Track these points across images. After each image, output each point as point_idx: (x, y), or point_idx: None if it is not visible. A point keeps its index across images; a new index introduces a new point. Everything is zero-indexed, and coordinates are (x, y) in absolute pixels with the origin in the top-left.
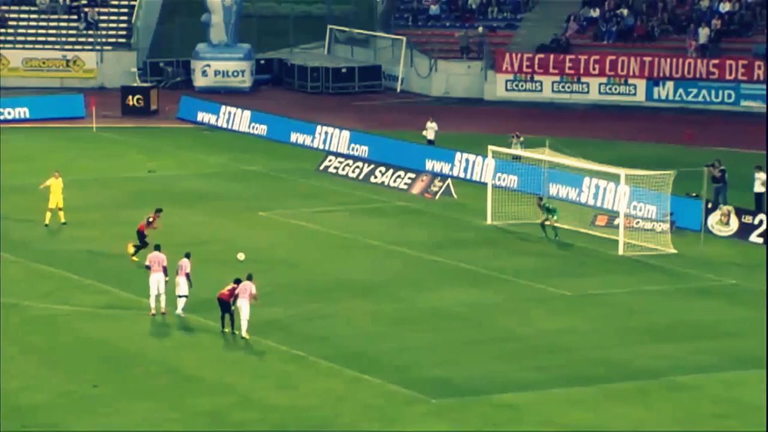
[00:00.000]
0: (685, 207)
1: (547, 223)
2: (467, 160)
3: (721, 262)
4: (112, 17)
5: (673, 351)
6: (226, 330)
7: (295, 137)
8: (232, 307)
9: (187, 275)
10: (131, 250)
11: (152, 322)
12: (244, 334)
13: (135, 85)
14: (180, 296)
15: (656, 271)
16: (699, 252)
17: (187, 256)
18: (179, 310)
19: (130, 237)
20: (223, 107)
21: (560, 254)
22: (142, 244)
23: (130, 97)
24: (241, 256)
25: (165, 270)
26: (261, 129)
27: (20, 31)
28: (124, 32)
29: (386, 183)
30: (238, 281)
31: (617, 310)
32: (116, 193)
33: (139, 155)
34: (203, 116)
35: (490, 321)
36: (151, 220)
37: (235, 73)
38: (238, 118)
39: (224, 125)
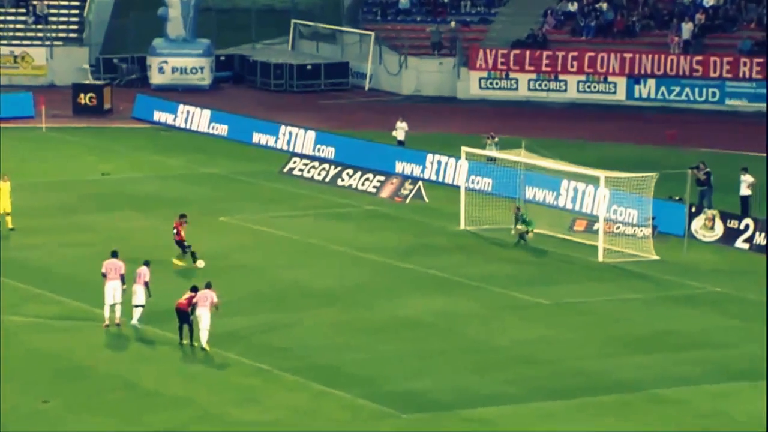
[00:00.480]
0: (667, 211)
1: (529, 235)
2: (439, 162)
3: (706, 269)
4: (63, 11)
5: (656, 362)
6: (185, 342)
7: (257, 138)
8: (191, 317)
9: (146, 284)
10: (181, 261)
11: (107, 334)
12: (204, 345)
13: (87, 82)
14: (136, 306)
15: (637, 278)
16: (682, 258)
17: (147, 264)
18: (135, 321)
19: (83, 243)
20: (181, 106)
21: (537, 261)
22: (184, 250)
23: (82, 95)
24: (200, 263)
25: (122, 278)
26: (221, 129)
27: None
28: (75, 26)
29: (354, 186)
30: (195, 289)
31: (597, 319)
32: (68, 198)
33: (92, 157)
34: (160, 116)
35: (463, 331)
36: (175, 231)
37: (194, 70)
38: (197, 118)
39: (182, 125)
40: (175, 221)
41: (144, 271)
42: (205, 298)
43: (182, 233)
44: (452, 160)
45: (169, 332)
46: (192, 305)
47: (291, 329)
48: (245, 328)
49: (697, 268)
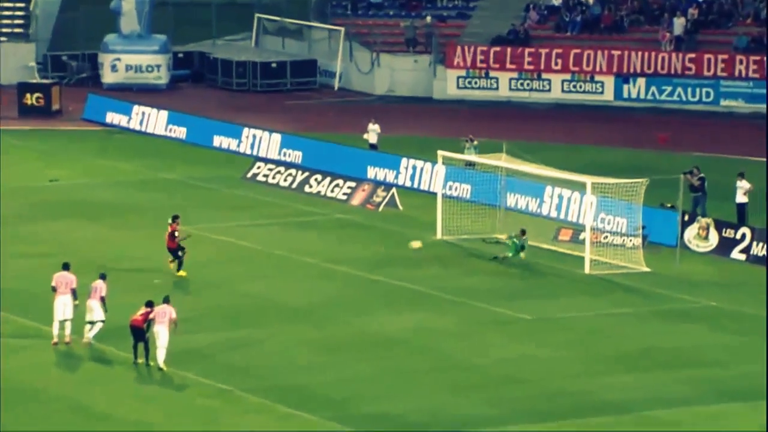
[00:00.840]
0: (659, 219)
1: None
2: (414, 167)
3: (700, 281)
4: (7, 3)
5: (647, 381)
6: (140, 361)
7: (218, 141)
8: (147, 335)
9: (102, 299)
10: (174, 267)
11: (56, 353)
12: (161, 364)
13: (34, 81)
14: (91, 322)
15: (627, 291)
16: (675, 270)
17: (103, 277)
18: (90, 335)
19: (30, 255)
20: (136, 107)
21: (519, 273)
22: (176, 257)
23: (29, 95)
24: (416, 244)
25: (74, 293)
26: (179, 132)
27: None
28: (20, 21)
29: (323, 193)
30: (150, 304)
31: (583, 336)
32: (13, 206)
33: (39, 162)
34: (113, 117)
35: (440, 348)
36: (176, 233)
37: (150, 68)
38: (153, 120)
39: (137, 127)
40: (171, 225)
41: (100, 285)
42: (163, 314)
43: (179, 235)
44: (428, 164)
45: (123, 351)
46: (148, 322)
47: (255, 347)
48: (205, 346)
49: (690, 281)
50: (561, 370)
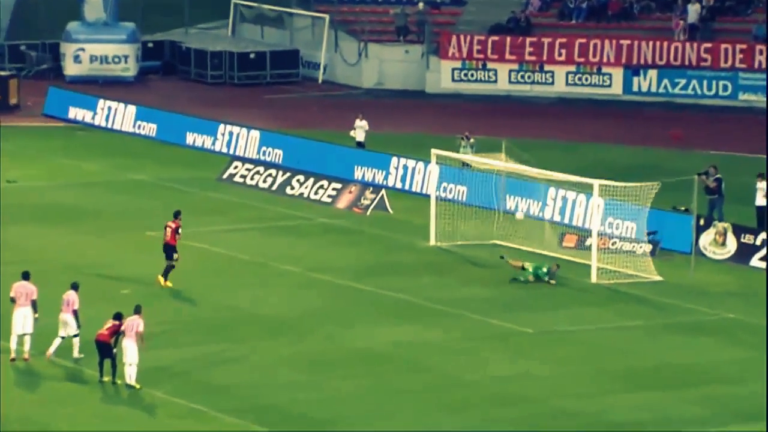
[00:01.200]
0: (672, 224)
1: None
2: (405, 167)
3: (716, 292)
4: None
5: (657, 400)
6: (106, 379)
7: (191, 139)
8: (115, 350)
9: (75, 312)
10: (161, 280)
11: (14, 370)
12: (132, 382)
13: None
14: (63, 337)
15: (637, 302)
16: (689, 279)
17: (75, 287)
18: (75, 354)
19: None
20: (101, 101)
21: (519, 283)
22: (169, 257)
23: None
24: (519, 215)
25: (34, 305)
26: (149, 128)
27: None
28: None
29: (306, 195)
30: (119, 317)
31: (588, 351)
32: None
33: None
34: (76, 112)
35: (433, 365)
36: (179, 230)
37: (117, 59)
38: (121, 115)
39: (103, 124)
40: (174, 222)
41: (72, 297)
42: (132, 327)
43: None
44: (421, 164)
45: (88, 368)
46: (116, 336)
47: (231, 363)
48: (178, 362)
49: (705, 291)
50: (564, 388)
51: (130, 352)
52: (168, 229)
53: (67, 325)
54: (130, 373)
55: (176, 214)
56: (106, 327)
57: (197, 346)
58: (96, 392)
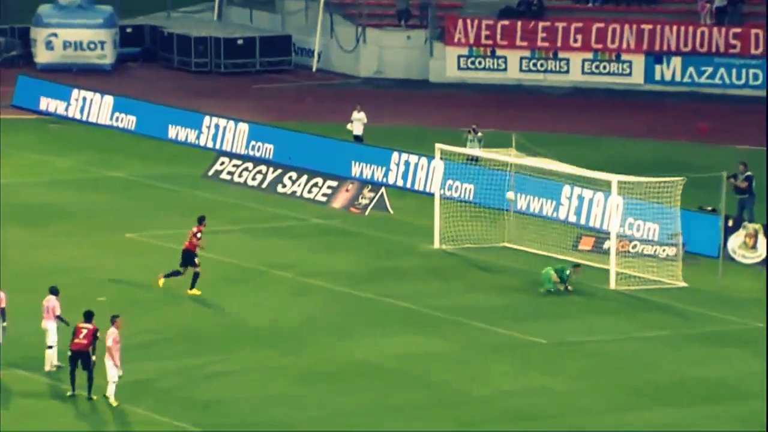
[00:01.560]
0: (697, 225)
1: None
2: (407, 163)
3: (745, 299)
4: None
5: (682, 418)
6: (79, 393)
7: (174, 132)
8: (94, 358)
9: (59, 318)
10: (162, 281)
11: None
12: (108, 395)
13: None
14: (51, 346)
15: (659, 310)
16: (716, 285)
17: (54, 292)
18: (55, 362)
19: None
20: (75, 91)
21: (531, 289)
22: (187, 265)
23: None
24: (510, 195)
25: (2, 313)
26: (128, 121)
27: None
28: None
29: (299, 194)
30: (89, 316)
31: (607, 364)
32: None
33: None
34: (48, 103)
35: (438, 378)
36: (199, 235)
37: (92, 46)
38: (97, 107)
39: (77, 116)
40: (196, 227)
41: (52, 303)
42: (108, 338)
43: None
44: (424, 160)
45: (59, 382)
46: (95, 340)
47: (218, 377)
48: (159, 375)
49: (734, 298)
50: (580, 404)
51: (110, 370)
52: (190, 233)
53: (50, 332)
54: (111, 389)
55: (200, 220)
56: (82, 334)
57: (181, 359)
58: (68, 409)
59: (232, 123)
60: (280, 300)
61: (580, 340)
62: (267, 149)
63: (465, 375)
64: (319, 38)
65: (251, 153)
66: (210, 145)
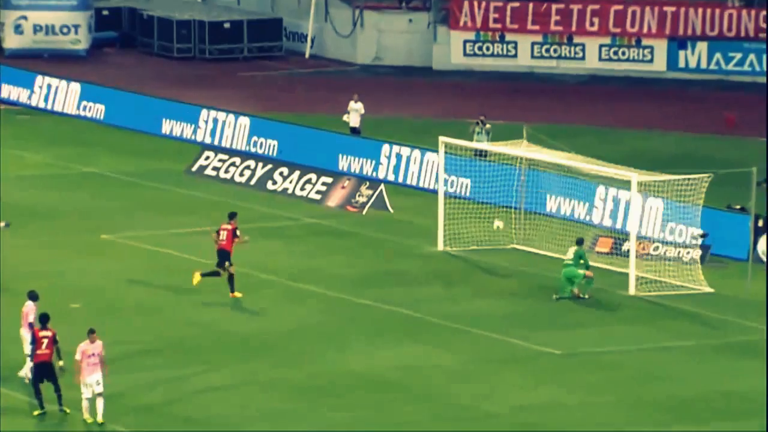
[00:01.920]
0: (725, 225)
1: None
2: (408, 158)
3: None
4: None
5: None
6: (52, 408)
7: (155, 123)
8: (62, 364)
9: (31, 326)
10: (197, 278)
11: None
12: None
13: None
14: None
15: (683, 318)
16: (745, 291)
17: (33, 297)
18: (24, 372)
19: None
20: (40, 78)
21: (543, 295)
22: (222, 266)
23: None
24: (499, 224)
25: None
26: (96, 110)
27: None
28: None
29: (290, 191)
30: (45, 320)
31: (626, 377)
32: None
33: None
34: (12, 92)
35: (444, 392)
36: (239, 232)
37: (65, 30)
38: (63, 95)
39: (41, 104)
40: (230, 224)
41: (31, 309)
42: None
43: (242, 237)
44: (427, 154)
45: (27, 396)
46: (55, 346)
47: (203, 392)
48: (139, 390)
49: (764, 305)
50: (596, 420)
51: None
52: (224, 232)
53: (27, 341)
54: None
55: (232, 216)
56: (44, 344)
57: (163, 371)
58: (39, 426)
59: (218, 113)
60: (270, 307)
61: (596, 351)
62: (257, 143)
63: (472, 388)
64: (313, 22)
65: (239, 147)
66: (192, 137)
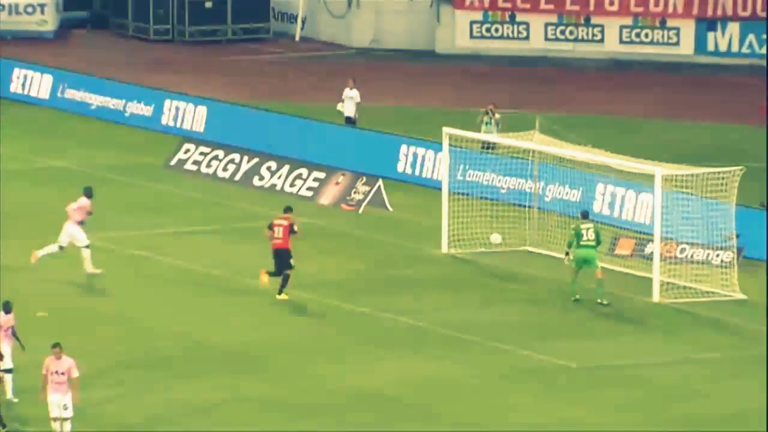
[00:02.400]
0: (758, 225)
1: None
2: (409, 151)
3: None
4: None
5: None
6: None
7: (129, 113)
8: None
9: (14, 335)
10: (265, 278)
11: None
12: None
13: None
14: (6, 370)
15: (712, 327)
16: None
17: (8, 309)
18: (10, 394)
19: None
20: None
21: (559, 302)
22: (285, 266)
23: None
24: (496, 238)
25: None
26: (70, 98)
27: None
28: None
29: (279, 187)
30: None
31: (651, 393)
32: None
33: None
34: None
35: (450, 409)
36: (295, 228)
37: (30, 9)
38: (30, 82)
39: (14, 92)
40: (285, 218)
41: (7, 320)
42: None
43: (297, 231)
44: (432, 147)
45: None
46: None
47: (181, 410)
48: (115, 409)
49: None
50: None
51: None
52: (279, 228)
53: (5, 356)
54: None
55: (287, 209)
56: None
57: (137, 386)
58: None
59: (197, 103)
60: (257, 315)
61: (616, 364)
62: (240, 134)
63: (480, 405)
64: (304, 1)
65: (222, 139)
66: (172, 126)
